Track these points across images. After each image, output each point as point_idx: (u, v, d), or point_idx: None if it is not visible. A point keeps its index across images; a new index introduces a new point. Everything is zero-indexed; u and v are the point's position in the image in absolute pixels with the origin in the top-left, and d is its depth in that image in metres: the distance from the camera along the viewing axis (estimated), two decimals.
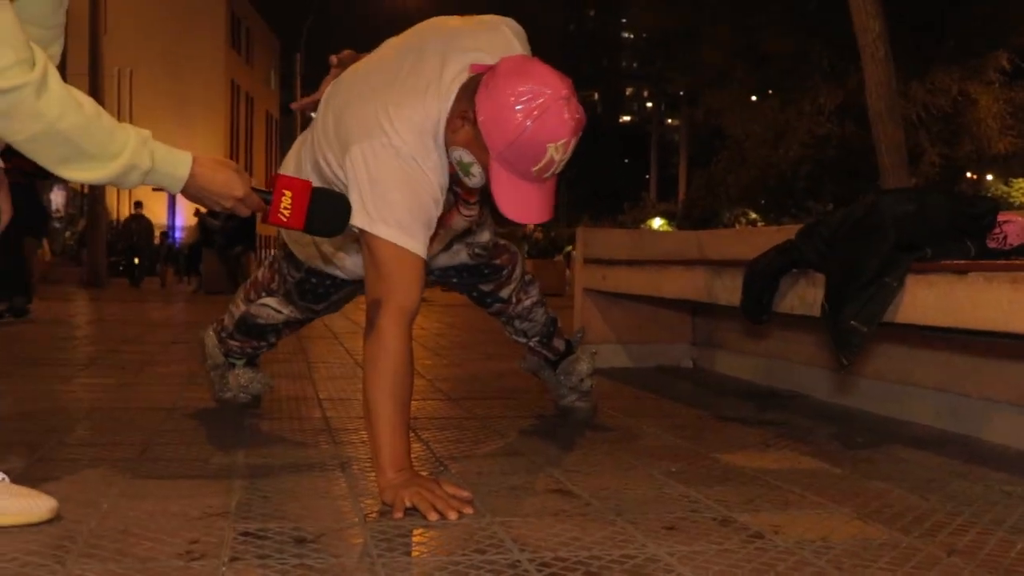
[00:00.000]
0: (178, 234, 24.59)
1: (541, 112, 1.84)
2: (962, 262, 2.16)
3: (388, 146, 1.94)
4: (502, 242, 2.76)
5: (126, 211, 17.98)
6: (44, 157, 1.57)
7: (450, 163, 2.00)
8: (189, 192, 1.74)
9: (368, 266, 1.99)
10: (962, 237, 2.32)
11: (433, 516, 1.77)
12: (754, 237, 4.01)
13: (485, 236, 2.67)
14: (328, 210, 1.86)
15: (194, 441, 2.50)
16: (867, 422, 3.03)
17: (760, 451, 2.53)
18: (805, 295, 2.65)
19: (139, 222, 18.12)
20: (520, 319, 2.85)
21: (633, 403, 3.32)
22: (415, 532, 1.70)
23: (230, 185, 1.76)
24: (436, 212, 2.01)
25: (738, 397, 3.56)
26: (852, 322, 2.30)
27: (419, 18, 2.23)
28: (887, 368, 3.16)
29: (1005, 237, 2.40)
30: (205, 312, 8.82)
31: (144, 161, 1.64)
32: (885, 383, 3.17)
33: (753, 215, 27.92)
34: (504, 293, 2.79)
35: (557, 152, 1.87)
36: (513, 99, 1.85)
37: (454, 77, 1.99)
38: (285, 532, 1.67)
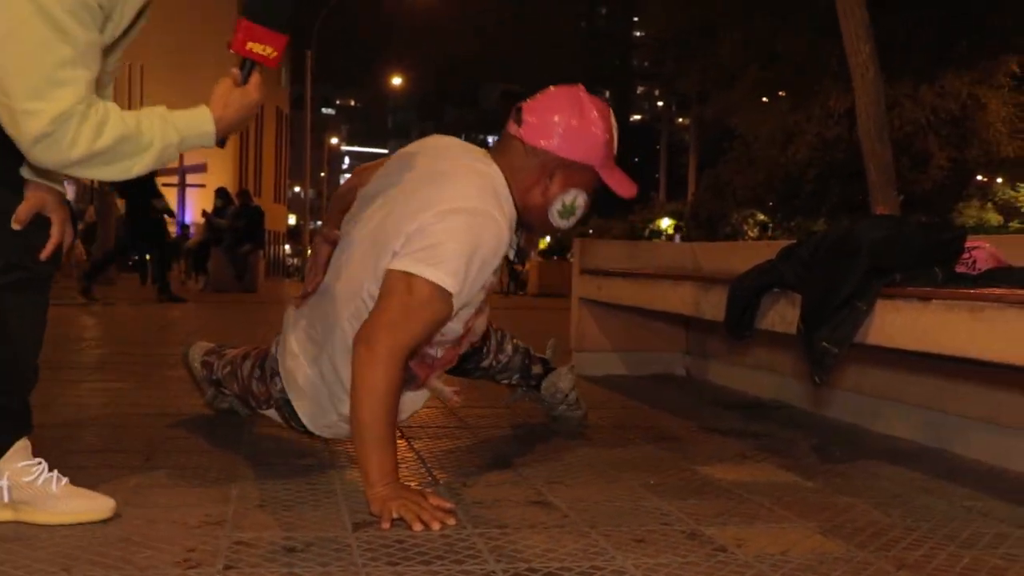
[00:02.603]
0: (189, 231, 24.67)
1: (590, 104, 2.19)
2: (926, 289, 2.26)
3: (458, 209, 2.06)
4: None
5: None
6: (87, 173, 1.71)
7: (528, 222, 2.24)
8: (222, 136, 1.82)
9: (393, 293, 2.04)
10: (931, 263, 2.41)
11: (418, 527, 1.88)
12: (747, 251, 4.12)
13: (481, 325, 2.52)
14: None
15: (195, 449, 2.62)
16: (848, 435, 3.13)
17: (737, 463, 2.64)
18: (785, 314, 2.75)
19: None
20: (500, 372, 3.02)
21: (622, 413, 3.43)
22: (399, 542, 1.81)
23: (245, 106, 1.83)
24: (495, 267, 2.14)
25: (725, 407, 3.66)
26: (824, 343, 2.41)
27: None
28: (869, 382, 3.26)
29: (974, 262, 2.50)
30: (213, 311, 8.95)
31: (172, 137, 1.74)
32: (868, 397, 3.27)
33: (761, 216, 27.98)
34: (485, 363, 2.96)
35: (612, 118, 2.24)
36: (576, 120, 2.17)
37: (481, 158, 2.21)
38: (277, 541, 1.79)
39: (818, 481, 2.45)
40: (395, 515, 1.91)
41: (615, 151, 2.23)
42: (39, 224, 1.83)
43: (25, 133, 1.60)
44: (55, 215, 1.85)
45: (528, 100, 2.24)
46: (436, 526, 1.89)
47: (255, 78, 1.86)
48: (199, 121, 1.79)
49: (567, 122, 2.16)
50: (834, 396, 3.44)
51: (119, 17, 1.72)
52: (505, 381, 3.07)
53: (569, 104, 2.19)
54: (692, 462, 2.63)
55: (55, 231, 1.84)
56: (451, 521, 1.93)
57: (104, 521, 1.87)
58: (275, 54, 1.85)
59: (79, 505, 1.86)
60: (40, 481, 1.86)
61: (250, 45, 1.83)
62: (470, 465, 2.54)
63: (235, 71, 1.86)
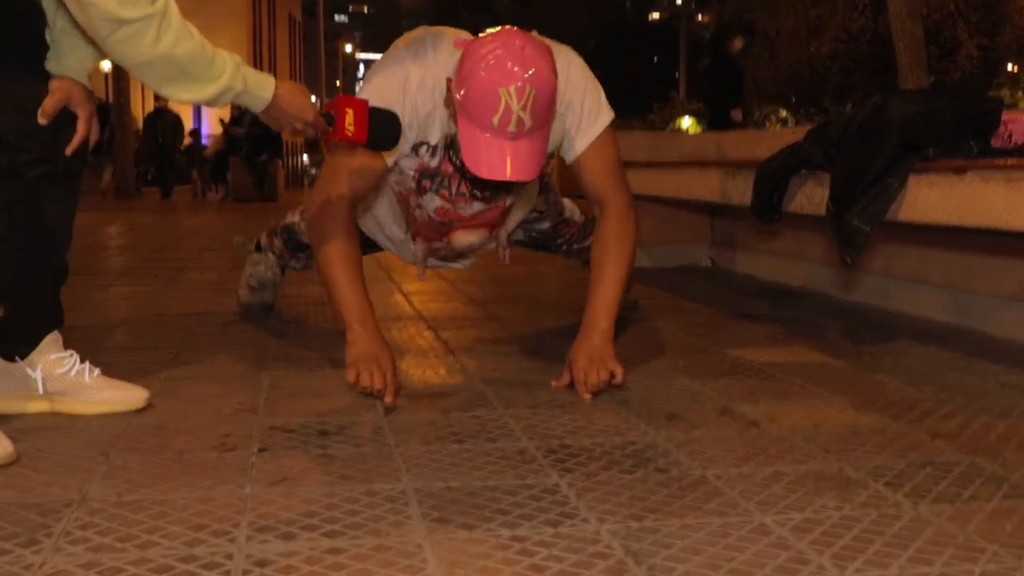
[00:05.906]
0: (204, 141, 24.49)
1: (494, 59, 1.88)
2: (961, 162, 2.21)
3: (397, 71, 2.17)
4: (568, 217, 2.99)
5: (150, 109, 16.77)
6: (150, 78, 1.70)
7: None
8: (269, 113, 1.87)
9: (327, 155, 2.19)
10: (966, 137, 2.35)
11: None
12: (771, 139, 4.04)
13: (545, 225, 2.90)
14: (385, 124, 1.95)
15: (224, 345, 2.63)
16: (878, 318, 3.11)
17: (768, 346, 2.63)
18: (813, 195, 2.70)
19: (163, 117, 15.31)
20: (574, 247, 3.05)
21: (649, 303, 3.41)
22: (430, 423, 1.82)
23: (303, 108, 1.89)
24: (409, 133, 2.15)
25: (753, 295, 3.64)
26: (855, 222, 2.37)
27: None
28: (897, 265, 3.22)
29: (1011, 136, 2.43)
30: (235, 219, 8.96)
31: (238, 84, 1.76)
32: (896, 279, 3.23)
33: (784, 112, 27.54)
34: (560, 242, 3.02)
35: (511, 100, 1.87)
36: (474, 54, 1.92)
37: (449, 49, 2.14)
38: (310, 426, 1.80)
39: (849, 361, 2.43)
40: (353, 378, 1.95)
41: (492, 119, 1.89)
42: (65, 119, 1.80)
43: (95, 20, 1.59)
44: (81, 109, 1.82)
45: (514, 29, 2.00)
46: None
47: (322, 121, 1.90)
48: (263, 85, 1.82)
49: (476, 51, 1.92)
50: (863, 281, 3.40)
51: None
52: (574, 260, 3.14)
53: (499, 42, 1.91)
54: (721, 346, 2.62)
55: (81, 126, 1.82)
56: (387, 399, 1.96)
57: (138, 411, 1.89)
58: (350, 133, 1.91)
59: (113, 395, 1.89)
60: (73, 372, 1.89)
61: (348, 112, 1.89)
62: (498, 353, 2.54)
63: (320, 114, 1.91)
